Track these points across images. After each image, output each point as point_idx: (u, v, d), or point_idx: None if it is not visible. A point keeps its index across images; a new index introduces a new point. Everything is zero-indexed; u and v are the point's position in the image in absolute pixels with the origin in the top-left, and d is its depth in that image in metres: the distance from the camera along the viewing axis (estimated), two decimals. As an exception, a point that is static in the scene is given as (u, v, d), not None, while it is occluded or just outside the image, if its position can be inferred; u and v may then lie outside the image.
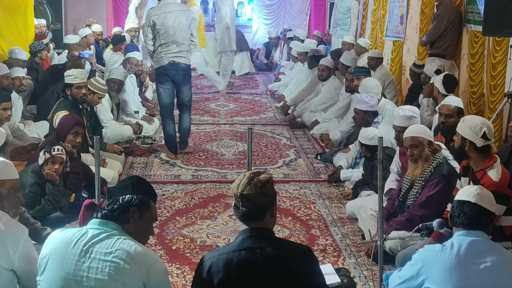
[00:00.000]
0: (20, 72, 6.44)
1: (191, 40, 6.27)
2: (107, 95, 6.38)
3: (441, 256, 2.53)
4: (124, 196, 2.39)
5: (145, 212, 2.41)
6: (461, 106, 4.67)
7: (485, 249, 2.54)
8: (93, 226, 2.34)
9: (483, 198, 2.63)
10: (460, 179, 3.71)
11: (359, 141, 5.07)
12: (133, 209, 2.38)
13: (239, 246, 2.32)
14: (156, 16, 6.08)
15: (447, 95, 5.19)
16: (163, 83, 6.29)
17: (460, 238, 2.57)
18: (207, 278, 2.28)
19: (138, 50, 8.51)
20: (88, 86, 5.65)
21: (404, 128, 4.25)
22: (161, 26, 6.06)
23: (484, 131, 3.44)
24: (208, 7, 15.57)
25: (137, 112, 7.31)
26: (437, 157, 3.87)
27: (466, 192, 2.67)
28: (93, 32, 9.98)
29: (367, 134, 4.92)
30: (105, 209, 2.39)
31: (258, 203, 2.34)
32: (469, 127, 3.48)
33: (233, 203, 2.43)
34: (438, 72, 6.06)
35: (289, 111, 8.33)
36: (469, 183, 3.56)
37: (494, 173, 3.46)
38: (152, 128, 7.26)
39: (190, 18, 6.28)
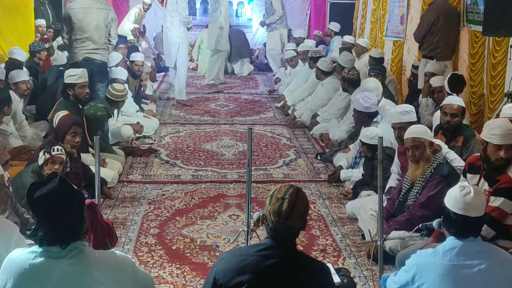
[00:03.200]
0: (23, 76, 6.38)
1: (109, 40, 6.23)
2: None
3: (433, 262, 2.51)
4: None
5: None
6: (464, 105, 4.69)
7: (479, 250, 2.51)
8: None
9: (473, 207, 2.53)
10: (465, 176, 3.69)
11: (360, 140, 5.06)
12: None
13: (258, 250, 2.30)
14: (73, 11, 6.11)
15: (452, 95, 5.20)
16: None
17: (452, 242, 2.54)
18: (221, 276, 2.28)
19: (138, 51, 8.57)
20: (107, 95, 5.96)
21: (403, 125, 4.29)
22: (76, 21, 6.05)
23: None
24: (208, 7, 15.54)
25: (138, 111, 7.32)
26: (438, 157, 3.87)
27: (454, 199, 2.56)
28: None
29: (369, 133, 4.92)
30: None
31: (297, 227, 2.33)
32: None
33: (261, 216, 2.39)
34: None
35: (289, 111, 8.34)
36: (479, 181, 3.55)
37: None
38: (152, 128, 7.26)
39: (109, 17, 6.26)
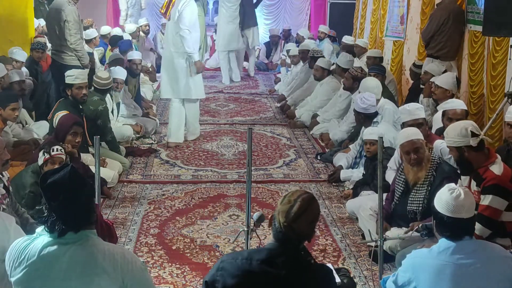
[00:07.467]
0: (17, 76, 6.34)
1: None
2: (108, 95, 6.39)
3: (428, 262, 2.51)
4: None
5: None
6: (466, 107, 4.69)
7: (473, 249, 2.51)
8: None
9: (465, 209, 2.51)
10: (460, 178, 3.72)
11: (366, 139, 4.99)
12: None
13: (262, 256, 2.24)
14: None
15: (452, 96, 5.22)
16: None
17: (446, 242, 2.53)
18: (221, 279, 2.25)
19: (133, 48, 8.58)
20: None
21: (422, 121, 4.39)
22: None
23: (470, 130, 3.45)
24: (209, 7, 15.51)
25: (135, 114, 7.28)
26: (433, 157, 3.90)
27: (446, 203, 2.53)
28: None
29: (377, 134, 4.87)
30: None
31: (302, 234, 2.27)
32: (457, 135, 3.48)
33: (269, 219, 2.33)
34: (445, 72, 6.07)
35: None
36: (470, 182, 3.57)
37: (496, 168, 3.47)
38: (152, 128, 7.25)
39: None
